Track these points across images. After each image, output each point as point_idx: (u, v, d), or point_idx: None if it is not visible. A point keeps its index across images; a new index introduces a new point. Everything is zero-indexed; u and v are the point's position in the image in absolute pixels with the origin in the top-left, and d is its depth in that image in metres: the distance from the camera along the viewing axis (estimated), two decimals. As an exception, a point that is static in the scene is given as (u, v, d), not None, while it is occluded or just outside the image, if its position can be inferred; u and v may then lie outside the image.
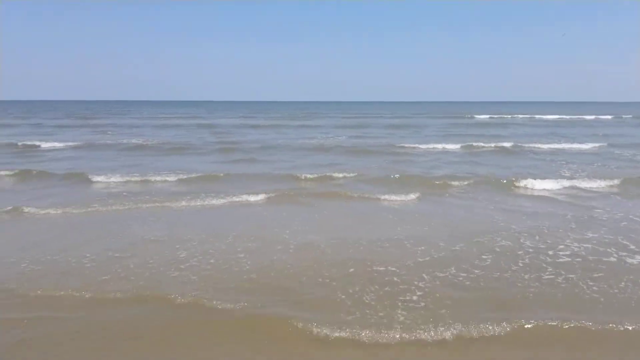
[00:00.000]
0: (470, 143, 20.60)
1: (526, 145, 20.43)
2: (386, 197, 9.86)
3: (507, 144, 20.22)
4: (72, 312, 4.68)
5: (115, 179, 11.39)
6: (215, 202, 9.29)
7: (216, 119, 47.12)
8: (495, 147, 19.64)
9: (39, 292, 5.08)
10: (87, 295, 5.00)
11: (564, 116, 52.06)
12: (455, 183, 11.39)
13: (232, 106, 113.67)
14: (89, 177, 11.53)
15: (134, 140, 22.12)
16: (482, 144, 20.30)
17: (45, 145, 19.72)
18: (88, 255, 6.22)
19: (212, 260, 6.04)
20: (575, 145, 20.50)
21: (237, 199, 9.50)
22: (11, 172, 12.32)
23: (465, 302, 4.93)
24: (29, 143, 19.94)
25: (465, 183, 11.42)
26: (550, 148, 19.87)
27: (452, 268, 5.83)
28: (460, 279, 5.53)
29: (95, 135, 25.64)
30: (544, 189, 10.92)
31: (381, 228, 7.63)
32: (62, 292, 5.04)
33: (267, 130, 31.32)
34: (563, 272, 5.70)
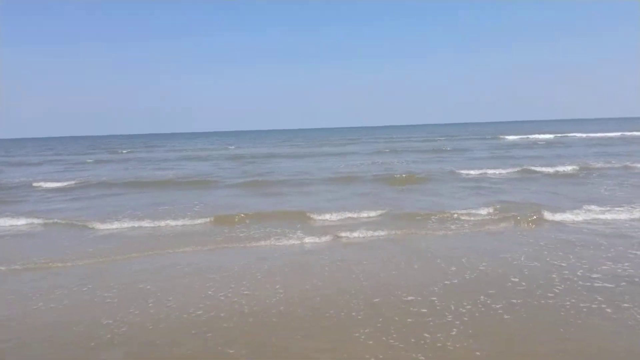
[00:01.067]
0: (526, 167, 19.42)
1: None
2: (410, 231, 9.32)
3: (568, 167, 18.84)
4: None
5: (131, 223, 10.89)
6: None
7: (244, 149, 48.01)
8: (556, 171, 18.20)
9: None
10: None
11: (613, 134, 50.21)
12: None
13: (259, 135, 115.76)
14: (99, 223, 10.89)
15: (159, 173, 22.51)
16: (538, 168, 19.00)
17: (57, 185, 19.62)
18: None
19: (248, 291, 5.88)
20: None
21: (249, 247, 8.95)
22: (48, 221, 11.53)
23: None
24: (47, 185, 20.07)
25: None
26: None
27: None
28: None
29: (132, 171, 26.07)
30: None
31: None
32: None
33: (299, 159, 31.31)
34: None
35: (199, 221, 10.84)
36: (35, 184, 19.72)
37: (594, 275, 6.35)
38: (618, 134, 49.28)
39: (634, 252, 7.41)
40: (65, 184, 19.71)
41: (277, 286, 6.44)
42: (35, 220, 11.57)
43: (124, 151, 50.80)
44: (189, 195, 15.46)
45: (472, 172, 18.89)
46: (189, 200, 14.20)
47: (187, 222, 10.82)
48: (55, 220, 11.51)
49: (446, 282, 6.36)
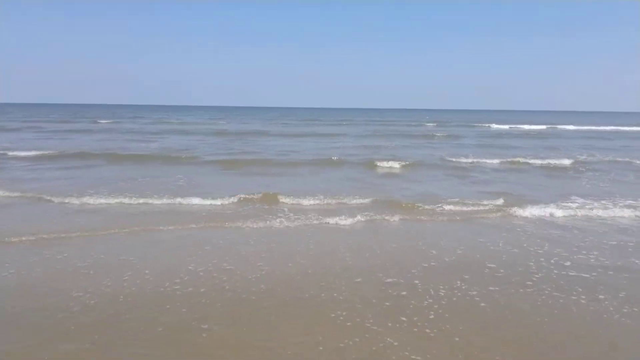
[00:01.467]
0: (515, 158, 19.54)
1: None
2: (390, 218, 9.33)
3: (557, 160, 18.94)
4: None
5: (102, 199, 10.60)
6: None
7: (234, 124, 47.53)
8: (546, 163, 18.23)
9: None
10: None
11: (605, 127, 50.86)
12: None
13: (252, 111, 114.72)
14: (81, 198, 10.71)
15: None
16: (527, 160, 19.03)
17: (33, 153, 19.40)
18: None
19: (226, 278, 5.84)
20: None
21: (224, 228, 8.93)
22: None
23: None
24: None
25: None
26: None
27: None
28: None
29: (114, 143, 25.66)
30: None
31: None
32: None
33: (288, 138, 31.15)
34: None
35: (184, 200, 10.50)
36: (9, 153, 19.14)
37: (569, 264, 6.50)
38: (610, 127, 49.97)
39: (608, 242, 7.66)
40: (39, 152, 19.21)
41: (260, 263, 6.47)
42: (10, 193, 11.04)
43: (107, 121, 49.98)
44: (171, 170, 15.29)
45: (460, 160, 19.06)
46: (171, 175, 14.09)
47: (171, 200, 10.53)
48: (30, 193, 11.07)
49: (425, 265, 6.48)
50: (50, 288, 5.55)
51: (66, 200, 10.34)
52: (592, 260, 6.78)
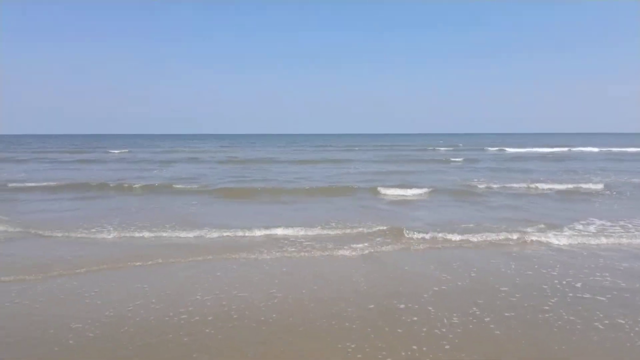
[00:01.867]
0: (534, 182, 19.20)
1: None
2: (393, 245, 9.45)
3: (584, 184, 18.46)
4: None
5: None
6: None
7: (247, 151, 48.00)
8: (565, 188, 17.64)
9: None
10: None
11: (630, 149, 50.28)
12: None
13: (267, 138, 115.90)
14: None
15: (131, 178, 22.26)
16: (546, 185, 18.50)
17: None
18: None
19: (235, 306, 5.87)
20: None
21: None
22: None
23: None
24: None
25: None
26: None
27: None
28: None
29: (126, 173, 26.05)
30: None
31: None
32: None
33: (298, 165, 31.35)
34: None
35: (194, 231, 10.29)
36: (15, 184, 19.18)
37: (585, 287, 6.38)
38: (632, 149, 49.34)
39: (622, 264, 7.65)
40: (49, 184, 19.30)
41: (273, 290, 6.46)
42: (12, 228, 10.80)
43: (120, 151, 51.03)
44: (180, 200, 15.43)
45: (475, 184, 18.91)
46: (180, 205, 14.25)
47: (180, 231, 10.39)
48: (37, 225, 11.00)
49: (436, 289, 6.43)
50: (52, 318, 5.56)
51: (74, 234, 10.22)
52: (606, 282, 6.70)
